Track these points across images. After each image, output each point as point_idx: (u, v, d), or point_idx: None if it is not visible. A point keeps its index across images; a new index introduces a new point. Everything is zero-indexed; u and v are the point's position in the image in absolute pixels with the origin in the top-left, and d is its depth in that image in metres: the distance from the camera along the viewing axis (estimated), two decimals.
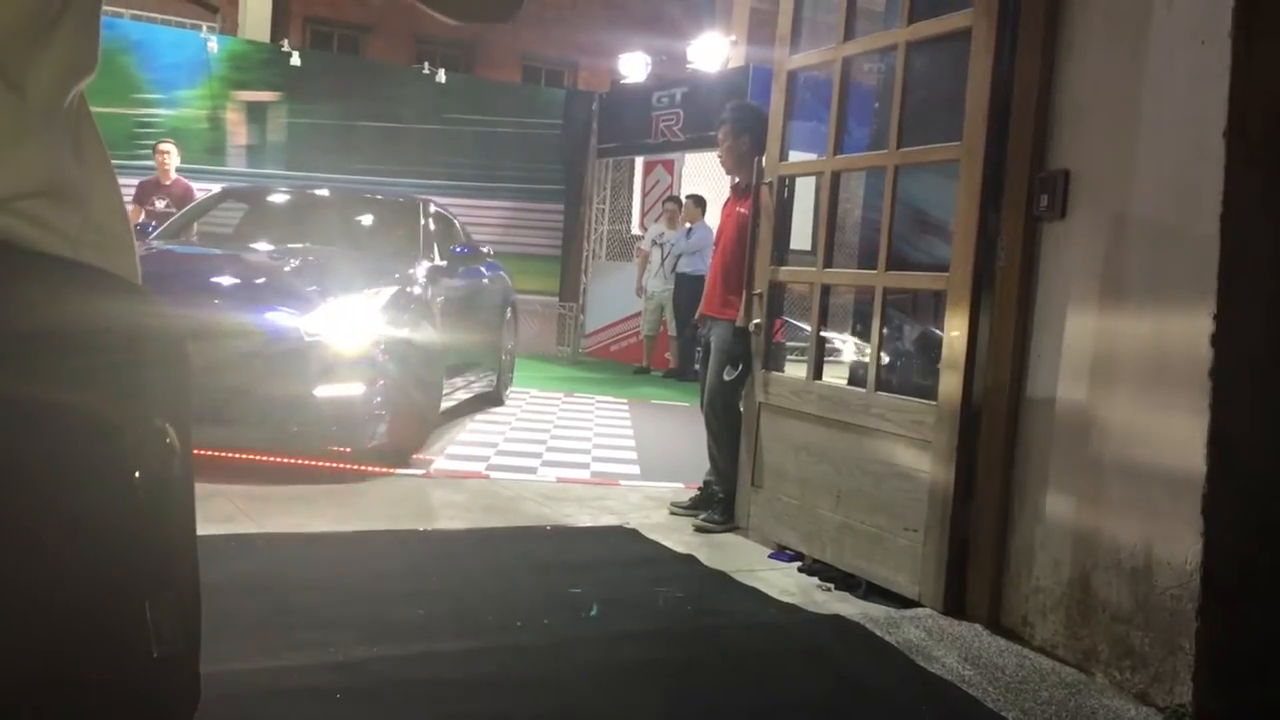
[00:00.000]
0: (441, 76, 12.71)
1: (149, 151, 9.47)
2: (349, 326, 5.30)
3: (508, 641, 3.23)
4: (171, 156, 9.09)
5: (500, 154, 12.98)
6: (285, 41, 12.76)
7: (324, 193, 8.32)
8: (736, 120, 5.03)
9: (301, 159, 11.76)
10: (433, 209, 7.50)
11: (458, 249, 7.13)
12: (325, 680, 2.81)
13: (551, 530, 4.62)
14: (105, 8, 0.85)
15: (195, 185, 9.12)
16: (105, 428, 0.77)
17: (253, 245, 6.59)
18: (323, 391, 5.14)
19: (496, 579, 3.84)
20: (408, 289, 5.97)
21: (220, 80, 11.65)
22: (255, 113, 11.87)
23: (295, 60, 11.99)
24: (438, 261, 6.73)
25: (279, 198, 7.99)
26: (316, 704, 2.68)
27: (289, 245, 6.52)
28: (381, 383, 5.36)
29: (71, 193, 0.81)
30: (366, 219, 7.45)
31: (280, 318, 5.23)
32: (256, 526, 4.27)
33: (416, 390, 5.73)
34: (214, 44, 11.80)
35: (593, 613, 3.50)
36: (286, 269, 6.00)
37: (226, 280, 5.73)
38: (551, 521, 4.76)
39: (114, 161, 0.90)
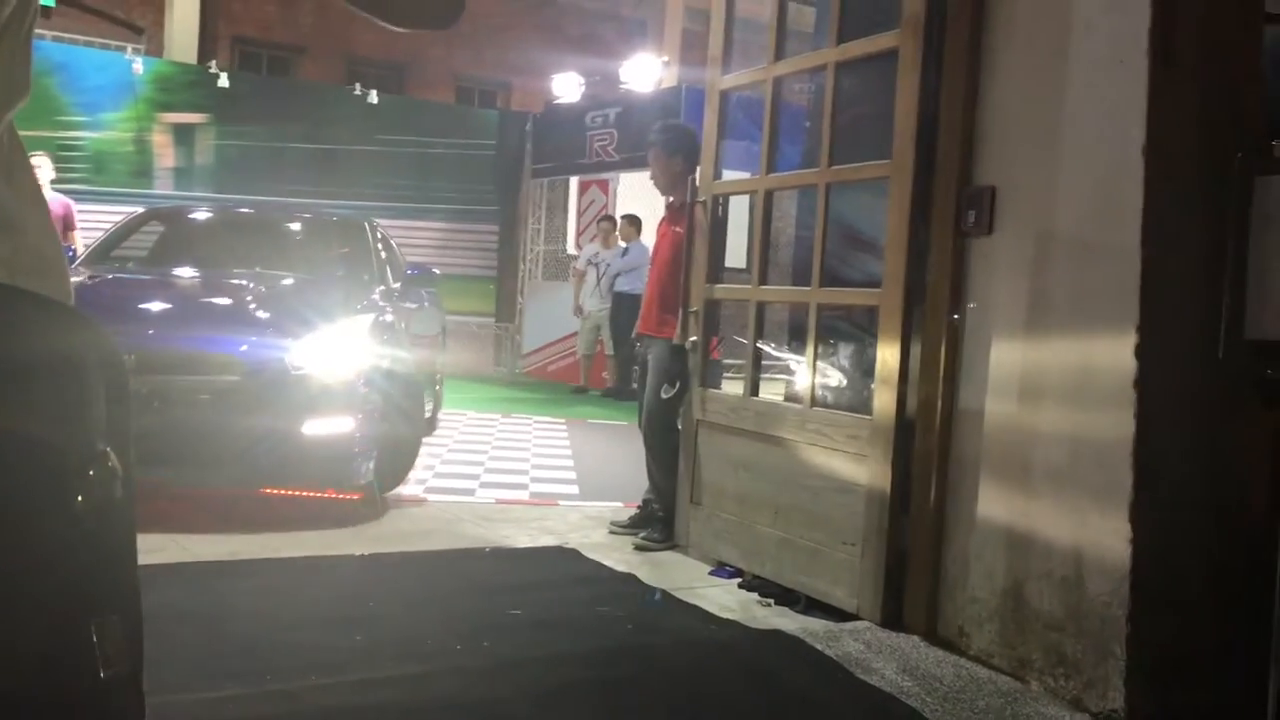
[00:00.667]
0: (374, 97, 12.65)
1: (73, 176, 9.29)
2: (336, 357, 4.96)
3: (448, 665, 3.20)
4: (43, 171, 7.96)
5: (434, 175, 12.94)
6: (213, 63, 12.61)
7: (260, 213, 7.71)
8: (666, 142, 5.08)
9: (230, 182, 11.61)
10: (379, 230, 7.16)
11: (411, 270, 6.84)
12: (264, 710, 2.76)
13: (490, 552, 4.59)
14: None
15: (120, 209, 8.95)
16: (47, 452, 0.76)
17: (197, 271, 6.07)
18: (311, 428, 4.79)
19: (435, 602, 3.80)
20: (381, 316, 5.65)
21: (146, 102, 11.48)
22: (182, 135, 11.71)
23: (223, 82, 11.85)
24: (392, 284, 6.41)
25: (212, 218, 7.33)
26: None
27: (237, 270, 6.03)
28: (368, 417, 5.04)
29: (4, 219, 0.80)
30: (314, 240, 7.02)
31: (263, 349, 4.89)
32: (186, 554, 4.19)
33: (401, 422, 5.40)
34: (139, 65, 11.62)
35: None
36: (255, 296, 5.59)
37: (195, 309, 5.41)
38: (490, 543, 4.73)
39: None
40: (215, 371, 4.74)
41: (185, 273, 6.06)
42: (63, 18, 13.50)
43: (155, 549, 4.21)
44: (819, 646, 3.46)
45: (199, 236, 6.87)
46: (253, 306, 5.46)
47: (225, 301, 5.58)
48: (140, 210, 7.11)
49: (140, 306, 5.24)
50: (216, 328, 5.10)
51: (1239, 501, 3.12)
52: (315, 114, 12.51)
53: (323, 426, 4.81)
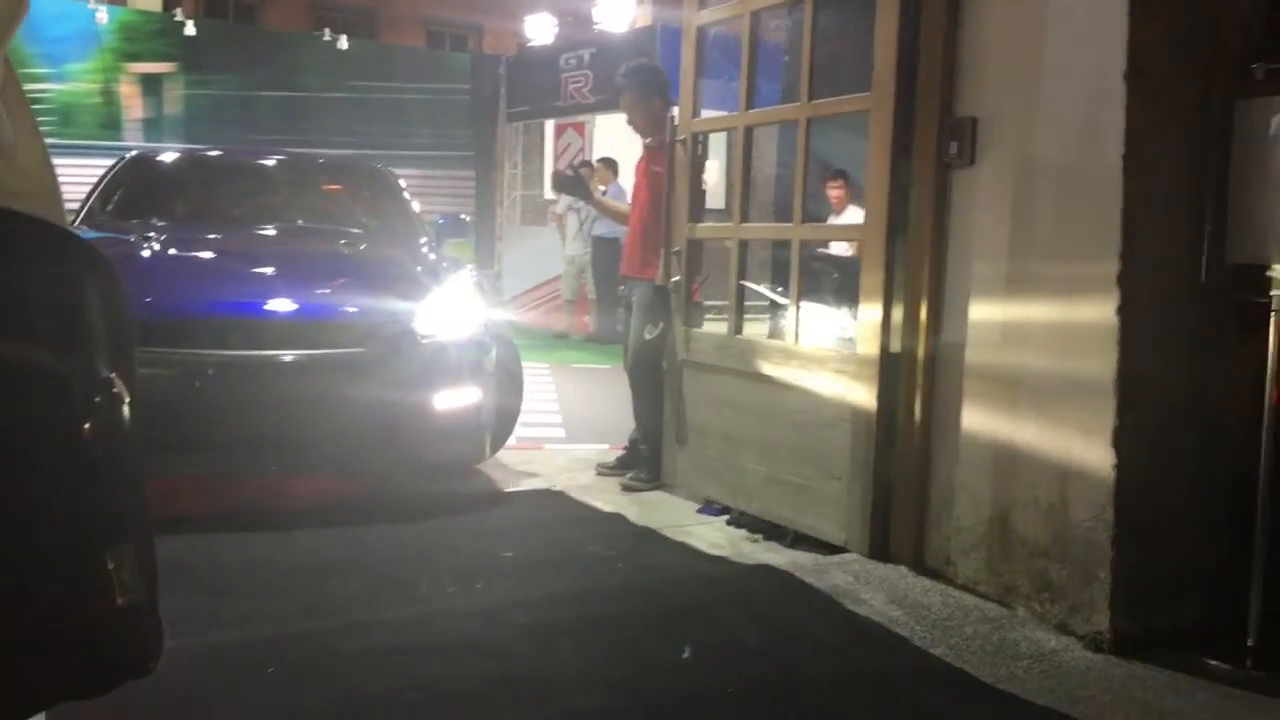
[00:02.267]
0: (343, 43, 12.46)
1: (41, 128, 9.13)
2: (458, 320, 4.46)
3: (441, 607, 3.23)
4: None
5: (408, 120, 12.79)
6: (178, 10, 12.39)
7: (277, 160, 6.56)
8: (643, 84, 5.01)
9: (201, 132, 11.44)
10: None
11: (441, 219, 6.18)
12: (260, 655, 2.78)
13: (480, 496, 4.61)
14: None
15: (89, 162, 8.82)
16: (52, 379, 0.76)
17: (245, 227, 5.31)
18: (443, 401, 4.28)
19: (427, 546, 3.82)
20: (472, 271, 5.10)
21: (111, 52, 11.27)
22: (150, 85, 11.51)
23: (189, 30, 11.64)
24: (424, 238, 5.71)
25: (224, 166, 6.37)
26: (252, 678, 2.65)
27: (285, 224, 5.41)
28: (489, 384, 4.59)
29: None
30: (346, 190, 6.29)
31: (386, 314, 4.30)
32: (170, 511, 4.18)
33: (509, 389, 4.98)
34: (103, 14, 11.39)
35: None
36: (345, 255, 4.99)
37: (292, 271, 4.63)
38: (479, 487, 4.74)
39: None
40: (337, 343, 4.16)
41: (239, 230, 5.26)
42: None
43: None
44: (808, 579, 3.50)
45: (217, 187, 5.99)
46: (353, 267, 4.86)
47: (320, 262, 4.86)
48: (130, 154, 6.13)
49: (224, 271, 4.63)
50: (327, 292, 4.45)
51: (1221, 426, 3.15)
52: (285, 61, 12.31)
53: (453, 398, 4.33)
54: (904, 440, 3.65)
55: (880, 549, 3.70)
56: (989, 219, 3.40)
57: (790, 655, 2.99)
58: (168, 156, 6.54)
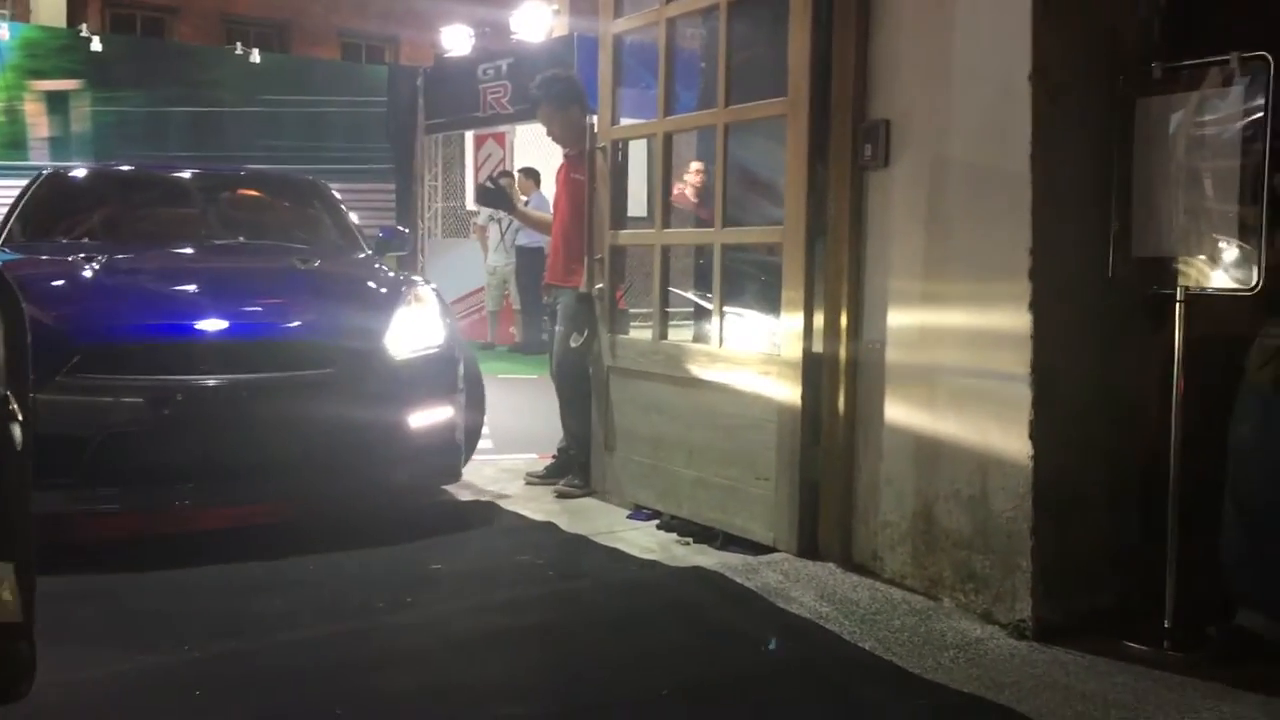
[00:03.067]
0: (256, 56, 12.28)
1: None
2: (426, 335, 4.32)
3: (371, 623, 3.19)
4: None
5: (324, 134, 12.63)
6: (84, 26, 12.10)
7: (201, 174, 6.07)
8: (559, 95, 5.01)
9: (110, 149, 11.18)
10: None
11: (382, 233, 5.94)
12: (185, 677, 2.72)
13: (409, 509, 4.55)
14: None
15: None
16: None
17: (188, 246, 5.00)
18: (417, 420, 4.15)
19: (354, 562, 3.77)
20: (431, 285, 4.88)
21: (15, 70, 10.97)
22: (56, 103, 11.22)
23: (96, 45, 11.38)
24: (367, 252, 5.53)
25: (148, 181, 6.01)
26: (177, 701, 2.60)
27: (230, 242, 5.18)
28: (460, 400, 4.44)
29: None
30: (281, 204, 6.08)
31: (353, 332, 4.15)
32: (95, 535, 4.07)
33: (474, 403, 4.76)
34: (5, 31, 11.09)
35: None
36: (303, 272, 4.76)
37: (252, 290, 4.45)
38: (407, 502, 4.69)
39: None
40: (307, 363, 3.99)
41: (180, 248, 4.98)
42: None
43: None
44: (739, 579, 3.53)
45: (145, 204, 5.67)
46: (313, 283, 4.69)
47: (279, 280, 4.64)
48: (45, 172, 5.76)
49: (178, 291, 4.39)
50: (292, 311, 4.28)
51: (1134, 414, 3.25)
52: (195, 76, 12.09)
53: (428, 416, 4.20)
54: (828, 439, 3.70)
55: (809, 547, 3.74)
56: (905, 219, 3.47)
57: (722, 655, 3.01)
58: (88, 173, 6.27)
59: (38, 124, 11.10)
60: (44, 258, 4.71)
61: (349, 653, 2.94)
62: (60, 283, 4.33)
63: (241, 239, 5.30)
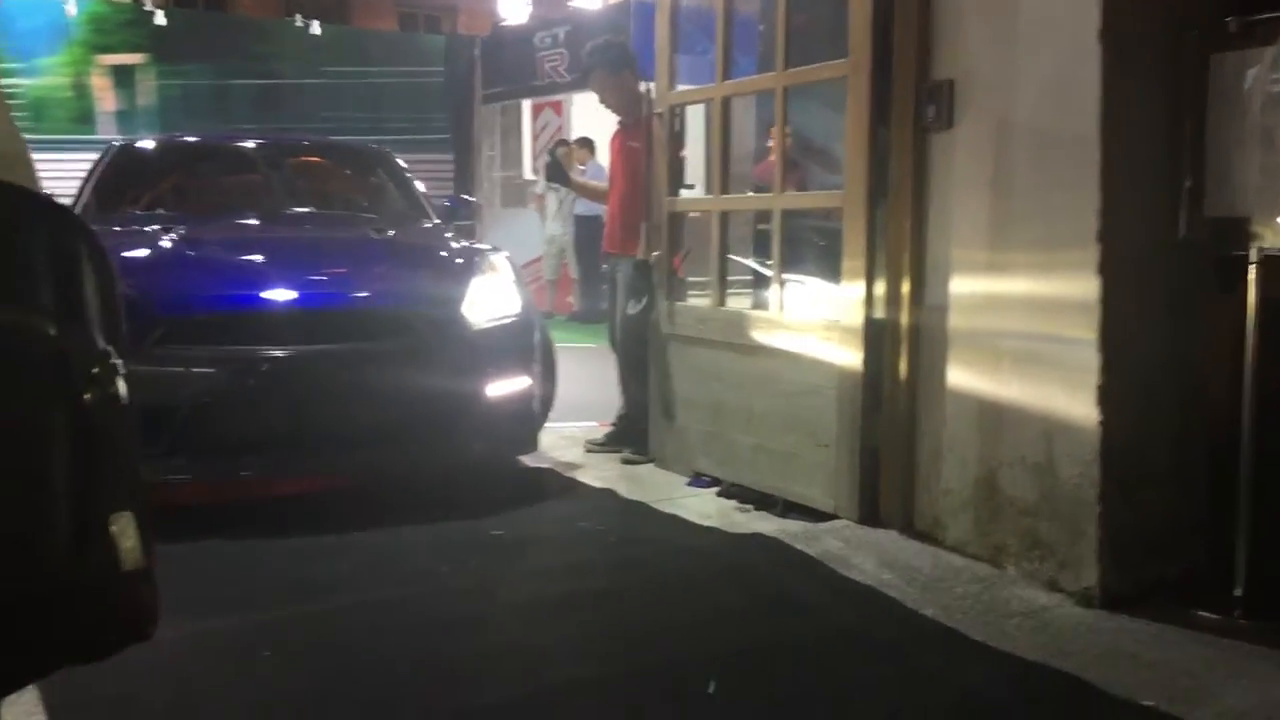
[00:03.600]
0: (316, 28, 12.35)
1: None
2: (504, 303, 4.31)
3: (435, 586, 3.23)
4: None
5: (383, 105, 12.69)
6: (148, 0, 12.24)
7: (268, 144, 5.97)
8: (611, 61, 4.98)
9: (175, 122, 11.33)
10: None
11: (449, 202, 5.96)
12: (253, 639, 2.78)
13: (469, 475, 4.60)
14: None
15: (64, 157, 8.73)
16: (54, 349, 0.76)
17: (263, 216, 4.97)
18: (495, 389, 4.15)
19: (417, 528, 3.81)
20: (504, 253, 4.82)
21: (82, 45, 11.14)
22: (122, 77, 11.39)
23: (160, 19, 11.51)
24: (436, 221, 5.47)
25: (216, 153, 6.00)
26: (247, 663, 2.66)
27: (295, 212, 5.11)
28: (537, 368, 4.44)
29: None
30: (351, 173, 6.11)
31: (433, 301, 4.16)
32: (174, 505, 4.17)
33: (547, 373, 4.69)
34: (72, 7, 11.25)
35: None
36: (378, 241, 4.77)
37: (331, 260, 4.46)
38: (467, 468, 4.73)
39: None
40: (384, 333, 4.01)
41: (257, 219, 4.97)
42: None
43: None
44: (799, 546, 3.52)
45: (216, 174, 5.74)
46: (390, 253, 4.71)
47: (358, 251, 4.64)
48: (116, 144, 5.74)
49: (258, 261, 4.36)
50: (370, 280, 4.29)
51: (1204, 379, 3.18)
52: (257, 48, 12.21)
53: (505, 386, 4.19)
54: (890, 405, 3.67)
55: (870, 514, 3.72)
56: (968, 182, 3.41)
57: (782, 620, 3.01)
58: (158, 144, 6.24)
59: (105, 98, 11.29)
60: (122, 229, 4.68)
61: (412, 616, 2.98)
62: (141, 254, 4.31)
63: (312, 209, 5.30)
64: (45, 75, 10.87)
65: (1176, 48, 3.05)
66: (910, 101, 3.52)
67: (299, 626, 2.89)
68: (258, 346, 3.82)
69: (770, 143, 7.96)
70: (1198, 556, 3.16)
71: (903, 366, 3.62)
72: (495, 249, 4.82)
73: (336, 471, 4.02)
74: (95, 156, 5.65)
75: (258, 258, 4.42)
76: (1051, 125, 3.15)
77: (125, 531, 0.80)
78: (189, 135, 7.45)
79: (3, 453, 0.73)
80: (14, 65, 10.62)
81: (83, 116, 11.09)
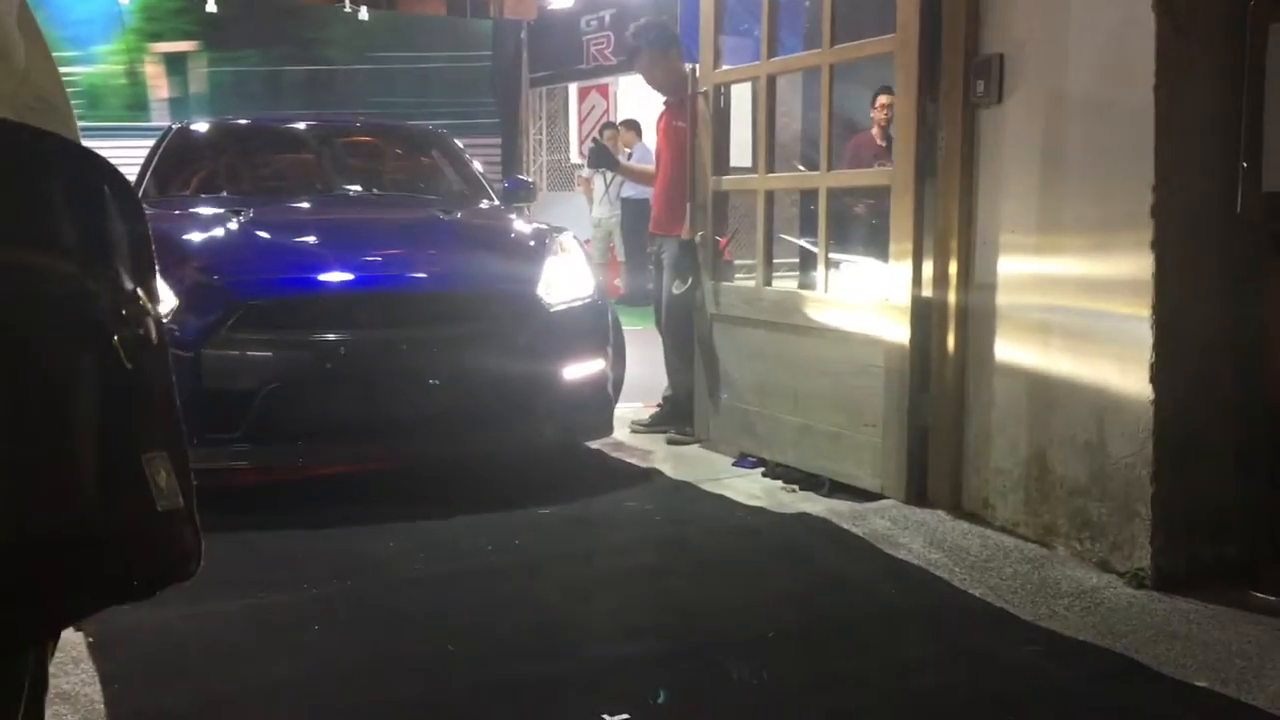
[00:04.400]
0: (364, 14, 12.43)
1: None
2: (577, 284, 4.24)
3: (480, 564, 3.26)
4: None
5: (431, 90, 12.77)
6: None
7: (329, 125, 6.04)
8: (654, 40, 4.97)
9: (228, 108, 11.46)
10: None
11: (508, 184, 5.94)
12: (303, 614, 2.82)
13: (516, 455, 4.62)
14: None
15: (119, 143, 8.87)
16: (81, 290, 0.78)
17: (326, 197, 5.02)
18: (572, 372, 4.07)
19: (463, 507, 3.84)
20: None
21: (135, 33, 11.32)
22: (174, 64, 11.56)
23: (211, 6, 11.65)
24: (496, 202, 5.42)
25: (272, 135, 5.93)
26: (294, 636, 2.69)
27: (348, 194, 5.12)
28: (610, 351, 4.35)
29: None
30: (407, 154, 6.07)
31: (509, 282, 4.11)
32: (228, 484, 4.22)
33: (619, 358, 4.61)
34: None
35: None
36: (445, 221, 4.64)
37: (402, 241, 4.42)
38: (515, 447, 4.75)
39: None
40: (460, 316, 3.96)
41: (322, 200, 4.98)
42: None
43: None
44: (846, 525, 3.50)
45: (275, 157, 5.72)
46: (462, 234, 4.60)
47: (427, 231, 4.56)
48: (175, 127, 5.66)
49: (332, 244, 4.27)
50: (444, 262, 4.22)
51: (1260, 357, 3.10)
52: (306, 34, 12.32)
53: (581, 369, 4.10)
54: (938, 385, 3.63)
55: (918, 494, 3.69)
56: (1018, 157, 3.36)
57: (830, 599, 3.00)
58: (215, 126, 6.09)
59: (158, 85, 11.46)
60: (190, 212, 4.67)
61: (459, 593, 3.01)
62: (213, 237, 4.28)
63: (375, 190, 5.28)
64: (99, 63, 11.06)
65: (1234, 17, 2.98)
66: (959, 77, 3.47)
67: (348, 601, 2.93)
68: (336, 330, 3.77)
69: (875, 111, 7.73)
70: (1255, 536, 3.10)
71: (951, 345, 3.58)
72: (563, 229, 4.72)
73: (411, 458, 3.98)
74: (150, 143, 5.68)
75: (331, 240, 4.34)
76: (1104, 98, 3.09)
77: (160, 472, 0.81)
78: (247, 117, 7.42)
79: (27, 395, 0.74)
80: (69, 54, 10.79)
81: (137, 104, 11.27)
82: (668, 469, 4.36)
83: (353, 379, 3.79)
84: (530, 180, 6.35)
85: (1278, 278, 3.06)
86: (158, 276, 0.87)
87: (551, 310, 4.05)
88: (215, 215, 4.52)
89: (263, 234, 4.36)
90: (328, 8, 13.64)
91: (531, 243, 4.44)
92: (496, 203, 5.37)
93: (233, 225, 4.33)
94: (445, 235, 4.53)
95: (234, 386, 3.64)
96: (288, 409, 3.74)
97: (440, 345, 3.87)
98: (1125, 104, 3.00)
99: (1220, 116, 3.00)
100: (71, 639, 2.55)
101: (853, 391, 3.90)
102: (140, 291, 0.82)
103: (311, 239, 4.40)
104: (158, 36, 11.47)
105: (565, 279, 4.19)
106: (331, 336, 3.77)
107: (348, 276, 3.96)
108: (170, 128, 5.66)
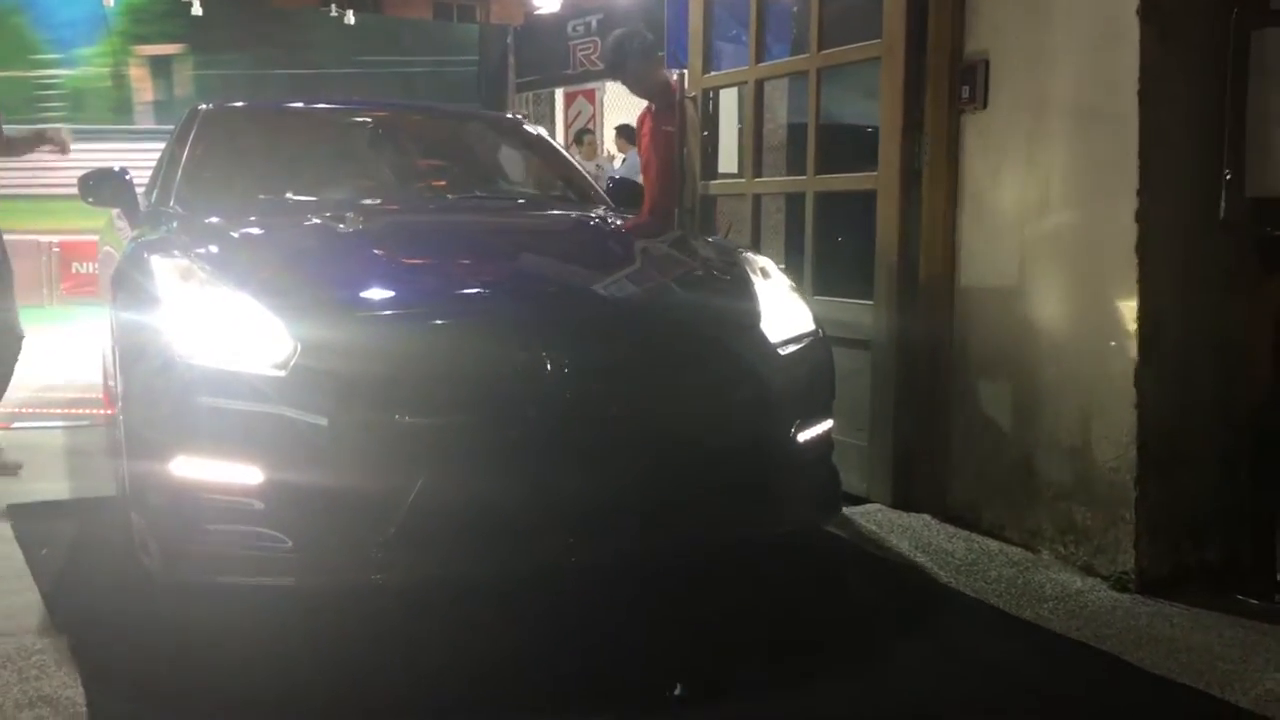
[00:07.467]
0: (350, 18, 12.40)
1: (52, 115, 9.16)
2: (796, 321, 3.10)
3: None
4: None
5: (418, 94, 12.75)
6: None
7: (380, 114, 4.79)
8: (639, 49, 4.92)
9: None
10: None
11: (610, 182, 4.89)
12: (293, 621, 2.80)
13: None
14: None
15: (103, 146, 8.83)
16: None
17: (436, 201, 4.03)
18: (806, 435, 2.95)
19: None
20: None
21: (120, 35, 11.27)
22: (159, 67, 11.51)
23: (196, 9, 11.60)
24: (611, 205, 4.36)
25: (336, 120, 4.70)
26: (284, 646, 2.68)
27: (447, 197, 4.10)
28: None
29: None
30: (500, 147, 4.91)
31: (729, 319, 2.99)
32: None
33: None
34: None
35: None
36: (616, 237, 3.67)
37: (578, 263, 3.33)
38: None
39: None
40: (675, 363, 2.79)
41: (424, 207, 3.92)
42: None
43: None
44: (831, 529, 3.50)
45: (337, 150, 4.43)
46: (629, 250, 3.54)
47: (585, 247, 3.54)
48: (199, 109, 4.32)
49: (476, 268, 3.15)
50: (646, 288, 3.19)
51: (1245, 360, 3.13)
52: (292, 38, 12.29)
53: (813, 430, 2.99)
54: (924, 389, 3.64)
55: (903, 498, 3.70)
56: (1004, 162, 3.38)
57: (816, 604, 2.99)
58: (253, 110, 4.81)
59: (142, 88, 11.41)
60: (257, 223, 3.43)
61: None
62: (310, 258, 3.11)
63: (479, 192, 4.23)
64: (84, 66, 11.00)
65: (1217, 24, 3.00)
66: (944, 81, 3.49)
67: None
68: (514, 385, 2.57)
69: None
70: (1238, 540, 3.11)
71: (938, 349, 3.59)
72: (747, 247, 3.81)
73: (614, 556, 2.79)
74: (134, 146, 5.27)
75: (473, 264, 3.20)
76: (1089, 103, 3.11)
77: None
78: (287, 100, 5.98)
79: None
80: (53, 56, 10.75)
81: (121, 106, 11.22)
82: None
83: (545, 454, 2.59)
84: (639, 181, 4.98)
85: (1261, 283, 3.08)
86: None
87: (782, 355, 2.96)
88: (306, 227, 3.41)
89: (380, 251, 3.27)
90: (313, 11, 13.59)
91: (726, 264, 3.31)
92: (612, 205, 4.33)
93: (333, 243, 3.25)
94: (612, 252, 3.52)
95: (381, 478, 2.50)
96: (451, 499, 2.54)
97: (660, 401, 2.74)
98: (1109, 110, 3.01)
99: (1204, 122, 3.02)
100: (52, 643, 2.53)
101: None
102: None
103: (445, 263, 3.19)
104: (143, 39, 11.43)
105: (785, 312, 3.10)
106: (516, 394, 2.57)
107: (522, 310, 2.78)
108: (195, 110, 4.35)
